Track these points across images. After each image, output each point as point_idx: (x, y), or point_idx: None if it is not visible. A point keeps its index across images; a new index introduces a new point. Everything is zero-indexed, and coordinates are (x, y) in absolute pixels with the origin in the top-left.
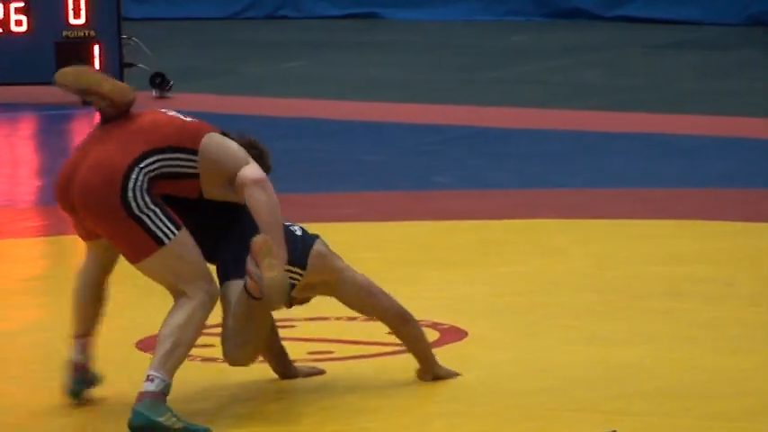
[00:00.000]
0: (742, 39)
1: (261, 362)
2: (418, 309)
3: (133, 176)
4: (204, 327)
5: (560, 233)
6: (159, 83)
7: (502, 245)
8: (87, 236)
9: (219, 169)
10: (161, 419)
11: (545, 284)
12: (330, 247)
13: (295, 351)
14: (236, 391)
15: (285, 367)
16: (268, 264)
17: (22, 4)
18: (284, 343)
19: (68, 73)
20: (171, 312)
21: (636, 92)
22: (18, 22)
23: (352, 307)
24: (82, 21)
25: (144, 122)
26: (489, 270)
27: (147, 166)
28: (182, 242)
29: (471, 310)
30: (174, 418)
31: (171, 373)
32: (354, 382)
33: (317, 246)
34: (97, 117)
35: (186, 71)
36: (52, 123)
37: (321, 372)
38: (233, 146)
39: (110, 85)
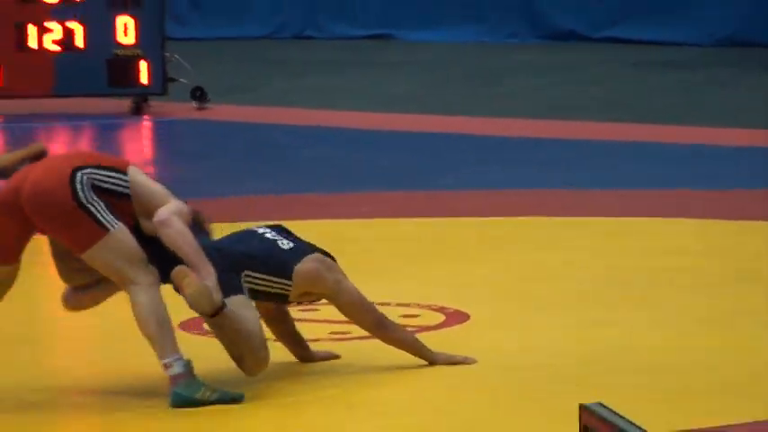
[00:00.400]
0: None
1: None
2: (426, 295)
3: (78, 175)
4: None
5: (556, 229)
6: (199, 95)
7: (502, 239)
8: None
9: (146, 199)
10: (197, 396)
11: (541, 274)
12: (327, 263)
13: (317, 331)
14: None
15: (303, 349)
16: (186, 283)
17: (77, 26)
18: (307, 325)
19: None
20: (134, 305)
21: (622, 104)
22: (75, 41)
23: (345, 316)
24: (131, 41)
25: (78, 151)
26: (491, 262)
27: (87, 173)
28: (124, 230)
29: (473, 296)
30: (208, 392)
31: (176, 348)
32: (369, 359)
33: (310, 263)
34: (144, 125)
35: (223, 85)
36: (105, 131)
37: (336, 356)
38: (154, 183)
39: (21, 152)
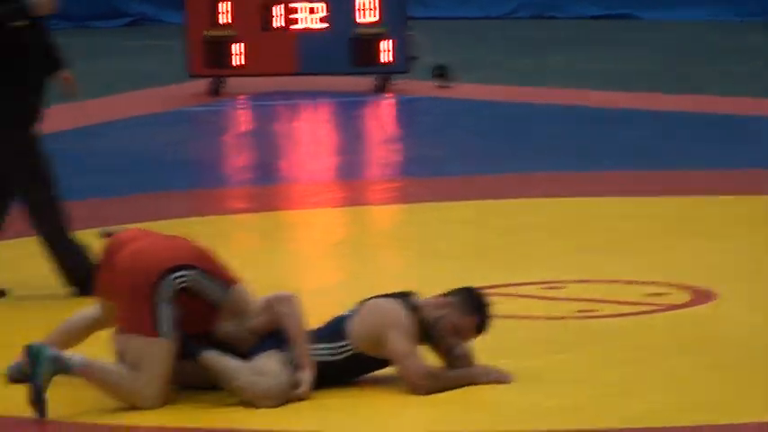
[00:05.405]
0: None
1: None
2: (673, 273)
3: (174, 275)
4: (116, 396)
5: None
6: (441, 74)
7: (745, 217)
8: (102, 294)
9: (243, 306)
10: (41, 368)
11: None
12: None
13: (564, 309)
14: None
15: None
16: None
17: (321, 5)
18: (553, 303)
19: None
20: (118, 384)
21: None
22: (318, 21)
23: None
24: (374, 19)
25: (195, 246)
26: (735, 240)
27: (185, 277)
28: (167, 348)
29: (720, 274)
30: (46, 382)
31: (78, 372)
32: (617, 338)
33: (358, 316)
34: (387, 103)
35: (463, 64)
36: (346, 109)
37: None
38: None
39: None
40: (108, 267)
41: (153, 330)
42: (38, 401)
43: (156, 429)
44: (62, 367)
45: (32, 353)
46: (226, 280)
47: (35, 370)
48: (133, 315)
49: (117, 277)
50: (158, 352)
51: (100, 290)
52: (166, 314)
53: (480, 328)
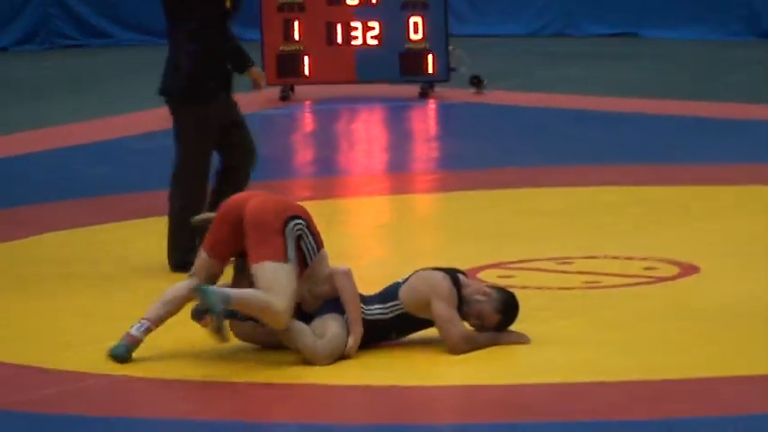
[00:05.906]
0: None
1: None
2: (665, 252)
3: (296, 221)
4: (260, 316)
5: None
6: (476, 83)
7: (729, 205)
8: (216, 252)
9: (321, 268)
10: (218, 307)
11: None
12: (430, 279)
13: (573, 281)
14: None
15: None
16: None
17: (375, 25)
18: (561, 276)
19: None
20: (269, 303)
21: None
22: (373, 38)
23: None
24: (420, 36)
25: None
26: (719, 224)
27: (301, 226)
28: (295, 272)
29: (704, 252)
30: (221, 312)
31: (231, 301)
32: (617, 305)
33: (410, 280)
34: (430, 108)
35: (496, 74)
36: (395, 112)
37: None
38: None
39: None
40: (228, 221)
41: (283, 257)
42: (220, 329)
43: (215, 383)
44: (226, 299)
45: (202, 292)
46: (319, 241)
47: (212, 305)
48: (266, 245)
49: (246, 222)
50: (288, 274)
51: (212, 247)
52: (292, 246)
53: (499, 326)
